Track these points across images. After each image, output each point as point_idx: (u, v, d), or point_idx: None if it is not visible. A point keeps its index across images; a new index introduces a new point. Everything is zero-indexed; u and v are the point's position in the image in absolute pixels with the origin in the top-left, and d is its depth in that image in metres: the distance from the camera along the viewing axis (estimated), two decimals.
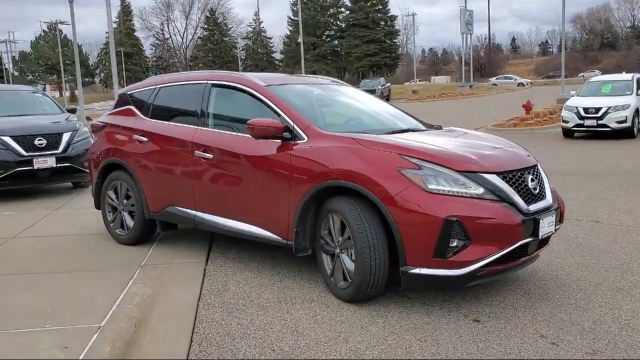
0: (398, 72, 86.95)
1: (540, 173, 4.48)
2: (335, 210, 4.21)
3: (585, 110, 15.76)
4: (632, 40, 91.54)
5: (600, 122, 15.55)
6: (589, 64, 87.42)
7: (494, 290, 4.44)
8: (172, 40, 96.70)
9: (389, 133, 4.67)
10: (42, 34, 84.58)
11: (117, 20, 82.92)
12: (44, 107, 10.41)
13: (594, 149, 13.92)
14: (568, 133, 16.48)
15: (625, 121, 15.35)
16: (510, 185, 4.03)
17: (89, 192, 7.59)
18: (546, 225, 4.16)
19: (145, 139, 5.67)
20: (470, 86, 56.84)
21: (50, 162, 8.73)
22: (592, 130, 15.86)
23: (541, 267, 4.96)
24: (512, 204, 3.95)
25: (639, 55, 77.80)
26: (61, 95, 63.69)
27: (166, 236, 6.20)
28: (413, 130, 4.95)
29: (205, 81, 5.39)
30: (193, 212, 5.29)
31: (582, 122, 15.84)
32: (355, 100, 5.67)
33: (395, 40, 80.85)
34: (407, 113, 5.58)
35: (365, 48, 75.38)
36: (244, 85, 5.06)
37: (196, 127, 5.26)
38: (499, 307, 4.13)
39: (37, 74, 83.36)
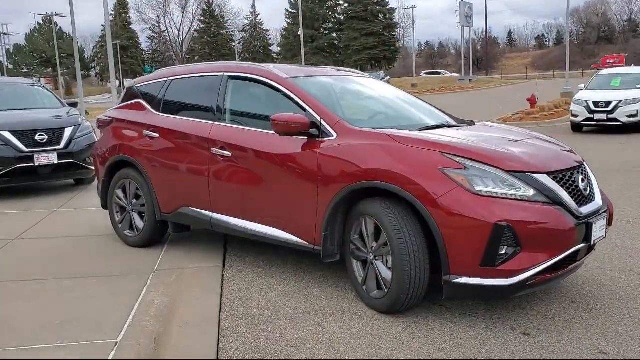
0: (395, 65, 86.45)
1: (588, 172, 4.16)
2: (368, 214, 3.87)
3: (595, 104, 15.46)
4: (629, 33, 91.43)
5: (610, 116, 15.25)
6: (585, 57, 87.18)
7: (537, 299, 4.12)
8: (168, 33, 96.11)
9: (423, 129, 4.34)
10: (37, 26, 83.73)
11: (113, 13, 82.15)
12: (44, 100, 10.02)
13: (605, 143, 13.61)
14: (577, 127, 16.18)
15: (636, 115, 15.06)
16: (562, 186, 3.71)
17: (93, 190, 7.26)
18: (598, 230, 3.84)
19: (156, 135, 5.32)
20: (470, 79, 56.48)
21: (52, 159, 8.36)
22: (602, 125, 15.56)
23: (581, 272, 4.64)
24: (564, 206, 3.63)
25: (635, 49, 77.68)
26: (57, 88, 62.91)
27: (177, 238, 5.86)
28: (447, 126, 4.61)
29: (222, 73, 5.04)
30: (209, 213, 4.95)
31: (591, 116, 15.54)
32: (381, 93, 5.33)
33: (394, 34, 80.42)
34: (435, 107, 5.24)
35: (364, 41, 74.93)
36: (265, 78, 4.71)
37: (212, 122, 4.91)
38: (547, 318, 3.81)
39: (32, 67, 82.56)
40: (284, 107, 4.48)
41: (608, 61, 67.85)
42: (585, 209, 3.77)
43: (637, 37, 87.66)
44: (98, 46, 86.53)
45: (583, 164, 4.15)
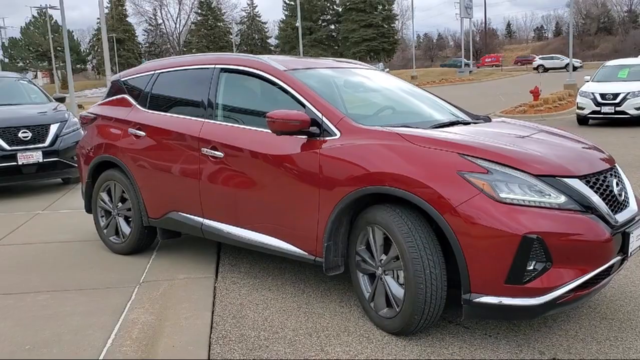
0: (394, 57, 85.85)
1: (621, 174, 3.73)
2: (376, 223, 3.44)
3: (602, 96, 15.01)
4: (628, 24, 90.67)
5: (618, 108, 14.79)
6: (585, 48, 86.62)
7: (563, 315, 3.70)
8: (165, 26, 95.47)
9: (436, 127, 3.90)
10: (32, 19, 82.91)
11: (109, 5, 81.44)
12: (30, 95, 9.56)
13: (615, 137, 13.16)
14: (583, 120, 15.73)
15: None
16: (595, 192, 3.28)
17: (79, 190, 6.83)
18: (635, 239, 3.41)
19: (142, 133, 4.88)
20: (470, 71, 55.96)
21: (37, 157, 7.91)
22: (609, 118, 15.11)
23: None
24: (599, 214, 3.20)
25: (635, 40, 77.00)
26: (52, 82, 62.34)
27: (167, 243, 5.42)
28: (462, 123, 4.17)
29: (213, 65, 4.59)
30: (200, 219, 4.52)
31: (598, 108, 15.08)
32: (386, 86, 4.89)
33: (393, 25, 79.80)
34: (446, 100, 4.80)
35: (362, 32, 74.38)
36: (260, 70, 4.26)
37: (203, 119, 4.48)
38: (577, 339, 3.39)
39: (27, 61, 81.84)
40: (282, 103, 4.05)
41: (487, 60, 74.07)
42: (620, 217, 3.35)
43: (637, 27, 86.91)
44: (94, 39, 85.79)
45: (615, 166, 3.72)
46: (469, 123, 4.23)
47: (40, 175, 8.16)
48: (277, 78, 4.13)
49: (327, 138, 3.71)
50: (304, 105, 3.89)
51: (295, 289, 4.27)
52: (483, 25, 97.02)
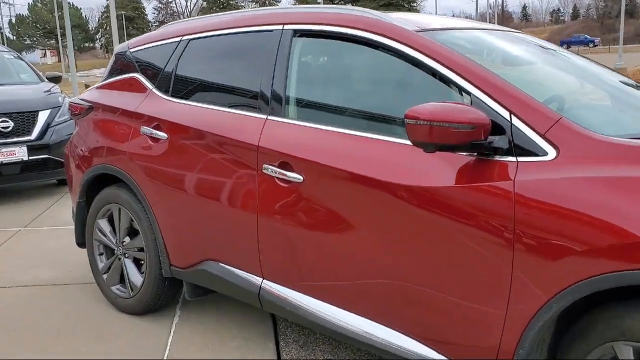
0: None
1: None
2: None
3: None
4: None
5: None
6: (605, 32, 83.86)
7: None
8: (175, 4, 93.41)
9: None
10: None
11: None
12: (20, 74, 7.78)
13: None
14: None
15: None
16: None
17: None
18: None
19: (162, 134, 3.10)
20: None
21: (20, 154, 6.13)
22: None
23: None
24: None
25: None
26: (59, 60, 60.43)
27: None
28: None
29: (281, 26, 2.78)
30: (257, 279, 2.75)
31: None
32: (574, 65, 2.97)
33: (414, 4, 77.29)
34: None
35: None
36: (371, 32, 2.44)
37: (264, 116, 2.69)
38: None
39: (34, 39, 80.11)
40: (414, 89, 2.28)
41: None
42: None
43: None
44: (103, 17, 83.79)
45: None
46: None
47: (26, 176, 6.35)
48: (407, 45, 2.31)
49: (527, 159, 1.92)
50: (467, 93, 2.10)
51: None
52: (498, 8, 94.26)
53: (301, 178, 2.44)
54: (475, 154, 2.00)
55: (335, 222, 2.38)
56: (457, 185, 2.01)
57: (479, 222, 1.95)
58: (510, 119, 1.98)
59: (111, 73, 3.77)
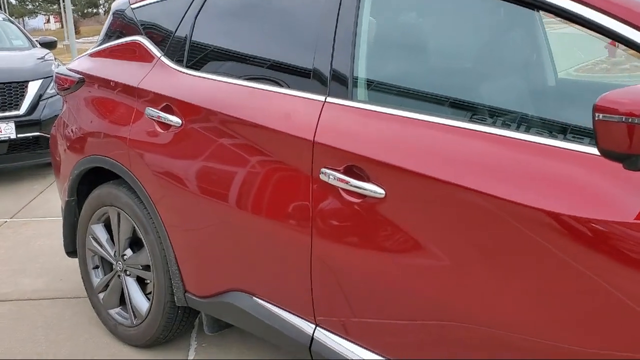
0: None
1: None
2: None
3: None
4: None
5: None
6: None
7: None
8: None
9: None
10: None
11: None
12: (11, 39, 6.95)
13: None
14: None
15: None
16: None
17: None
18: None
19: (176, 120, 2.29)
20: None
21: (7, 131, 5.33)
22: None
23: None
24: None
25: None
26: (62, 27, 59.16)
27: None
28: None
29: None
30: (307, 325, 1.98)
31: None
32: None
33: None
34: None
35: None
36: None
37: (322, 98, 1.88)
38: None
39: (37, 3, 78.55)
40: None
41: None
42: None
43: None
44: None
45: None
46: None
47: (14, 157, 5.52)
48: None
49: None
50: None
51: None
52: None
53: (382, 192, 1.65)
54: None
55: (435, 260, 1.59)
56: None
57: None
58: None
59: (108, 36, 2.95)
